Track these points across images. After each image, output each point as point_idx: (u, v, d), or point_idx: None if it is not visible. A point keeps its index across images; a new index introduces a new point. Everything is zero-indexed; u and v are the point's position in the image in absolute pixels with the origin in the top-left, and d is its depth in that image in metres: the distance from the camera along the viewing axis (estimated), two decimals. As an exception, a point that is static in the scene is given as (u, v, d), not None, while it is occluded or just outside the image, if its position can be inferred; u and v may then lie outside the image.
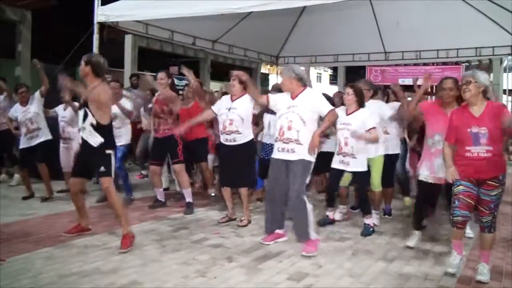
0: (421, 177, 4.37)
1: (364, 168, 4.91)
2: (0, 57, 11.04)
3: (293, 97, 4.32)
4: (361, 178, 4.95)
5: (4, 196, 6.23)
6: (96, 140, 4.19)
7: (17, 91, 6.44)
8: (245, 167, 5.10)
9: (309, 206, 4.20)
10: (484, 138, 3.43)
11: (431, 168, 4.28)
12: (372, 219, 5.04)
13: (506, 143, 3.78)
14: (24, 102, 6.30)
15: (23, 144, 6.22)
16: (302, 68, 4.54)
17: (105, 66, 4.29)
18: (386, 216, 5.67)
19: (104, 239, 4.47)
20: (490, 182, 3.49)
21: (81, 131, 4.28)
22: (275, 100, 4.47)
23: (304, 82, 4.37)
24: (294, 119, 4.21)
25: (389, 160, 5.45)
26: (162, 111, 5.67)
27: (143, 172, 8.19)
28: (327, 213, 5.24)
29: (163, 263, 3.85)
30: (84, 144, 4.26)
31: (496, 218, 3.60)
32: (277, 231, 4.51)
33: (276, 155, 4.35)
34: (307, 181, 4.34)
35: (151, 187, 7.09)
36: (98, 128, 4.20)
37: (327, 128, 4.48)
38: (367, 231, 4.88)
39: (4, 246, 4.09)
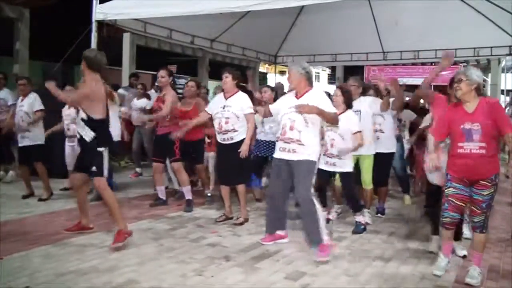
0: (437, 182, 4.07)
1: (350, 169, 4.89)
2: (-2, 55, 11.07)
3: (297, 97, 4.21)
4: (346, 178, 4.93)
5: (1, 194, 6.21)
6: (87, 134, 4.23)
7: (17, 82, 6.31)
8: (242, 164, 5.07)
9: (319, 208, 4.06)
10: (477, 134, 3.41)
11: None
12: (364, 217, 5.05)
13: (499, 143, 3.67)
14: (23, 96, 6.15)
15: (19, 142, 6.12)
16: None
17: (98, 60, 4.27)
18: (379, 215, 5.63)
19: (102, 237, 4.46)
20: (482, 182, 3.46)
21: (77, 126, 4.40)
22: (277, 108, 4.41)
23: (311, 82, 4.28)
24: (297, 119, 4.10)
25: (384, 159, 5.38)
26: (160, 108, 5.66)
27: (138, 170, 8.14)
28: None
29: (160, 262, 3.85)
30: (80, 138, 4.33)
31: (488, 218, 3.56)
32: (278, 232, 4.43)
33: (277, 154, 4.28)
34: (313, 181, 4.15)
35: (148, 186, 7.09)
36: (90, 122, 4.23)
37: None
38: (358, 229, 4.90)
39: (1, 244, 4.08)
